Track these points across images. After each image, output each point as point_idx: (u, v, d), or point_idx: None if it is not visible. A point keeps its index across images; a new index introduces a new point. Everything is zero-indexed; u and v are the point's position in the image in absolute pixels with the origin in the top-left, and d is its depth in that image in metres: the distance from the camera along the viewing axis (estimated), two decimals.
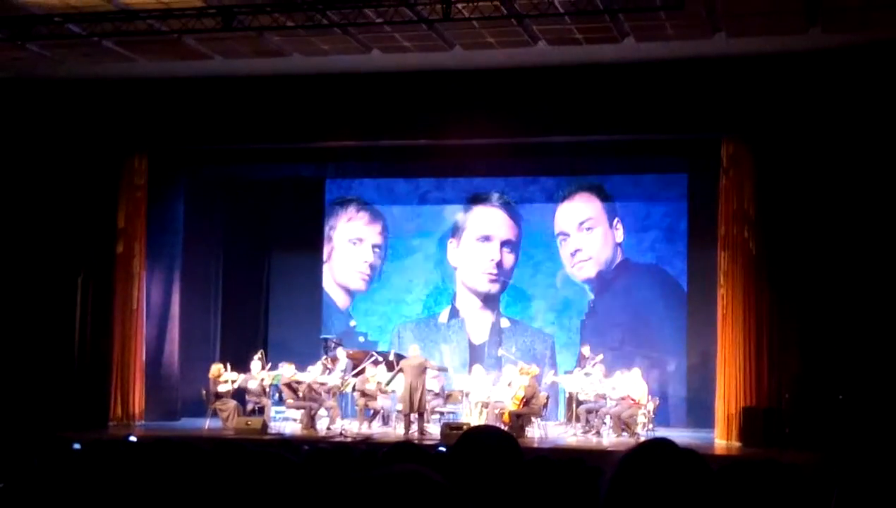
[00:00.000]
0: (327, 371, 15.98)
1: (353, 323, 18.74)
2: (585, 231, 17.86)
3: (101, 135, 15.99)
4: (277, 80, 15.38)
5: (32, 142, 15.99)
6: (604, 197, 17.81)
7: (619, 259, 17.67)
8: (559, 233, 18.00)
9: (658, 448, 2.28)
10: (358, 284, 18.86)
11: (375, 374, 15.81)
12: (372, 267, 18.84)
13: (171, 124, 15.94)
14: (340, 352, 16.46)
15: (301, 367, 15.79)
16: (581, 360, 16.08)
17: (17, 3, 12.39)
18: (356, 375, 15.92)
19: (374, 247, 18.88)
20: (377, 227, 18.91)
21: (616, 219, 17.70)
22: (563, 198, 18.02)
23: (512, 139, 15.81)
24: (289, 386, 15.51)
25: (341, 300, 18.91)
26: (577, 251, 17.85)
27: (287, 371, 15.60)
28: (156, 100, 15.81)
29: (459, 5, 11.95)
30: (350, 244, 18.95)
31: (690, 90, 14.35)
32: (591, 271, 17.73)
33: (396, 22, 12.51)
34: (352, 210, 19.01)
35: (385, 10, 12.25)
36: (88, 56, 14.36)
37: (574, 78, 14.71)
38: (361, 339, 18.43)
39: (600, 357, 15.72)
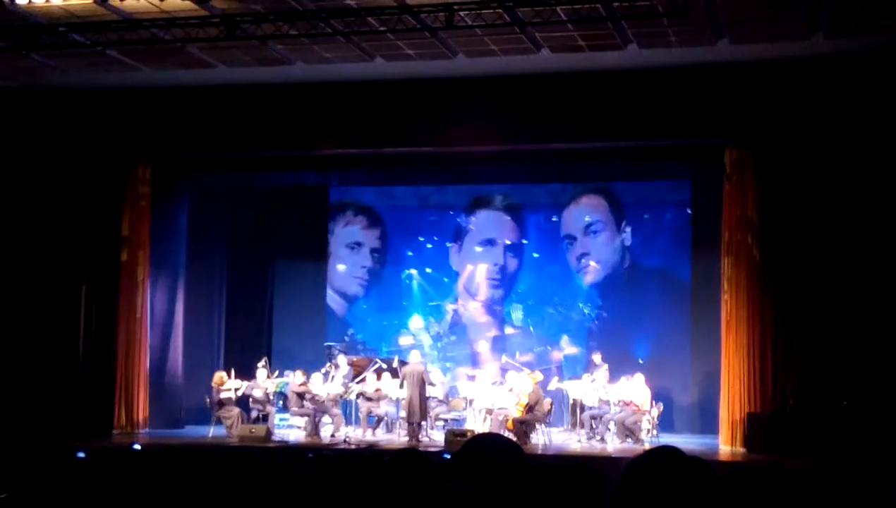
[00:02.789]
0: (331, 378, 15.97)
1: (350, 331, 18.70)
2: (592, 234, 17.81)
3: (105, 144, 16.03)
4: (281, 89, 15.41)
5: (37, 151, 16.03)
6: (611, 200, 17.77)
7: (626, 263, 17.63)
8: (565, 236, 17.96)
9: (664, 455, 2.28)
10: (356, 290, 18.82)
11: (377, 381, 15.80)
12: (371, 272, 18.79)
13: (175, 133, 15.97)
14: (341, 359, 16.45)
15: (308, 374, 15.78)
16: (591, 367, 16.03)
17: (21, 12, 12.43)
18: (359, 382, 15.91)
19: (372, 251, 18.83)
20: (376, 232, 18.85)
21: (624, 223, 17.65)
22: (569, 202, 17.98)
23: (515, 146, 15.83)
24: (297, 393, 15.50)
25: (339, 306, 18.87)
26: (583, 255, 17.80)
27: (297, 378, 15.62)
28: (159, 108, 15.84)
29: (462, 13, 11.97)
30: (348, 249, 18.90)
31: (693, 97, 14.36)
32: (598, 276, 17.69)
33: (399, 30, 12.53)
34: (349, 214, 18.95)
35: (388, 18, 12.27)
36: (92, 65, 14.39)
37: (577, 85, 14.72)
38: (360, 347, 18.39)
39: (606, 367, 15.70)
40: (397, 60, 14.01)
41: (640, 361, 16.86)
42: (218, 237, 18.26)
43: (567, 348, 17.60)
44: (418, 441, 14.68)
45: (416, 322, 18.48)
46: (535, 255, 18.15)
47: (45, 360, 15.62)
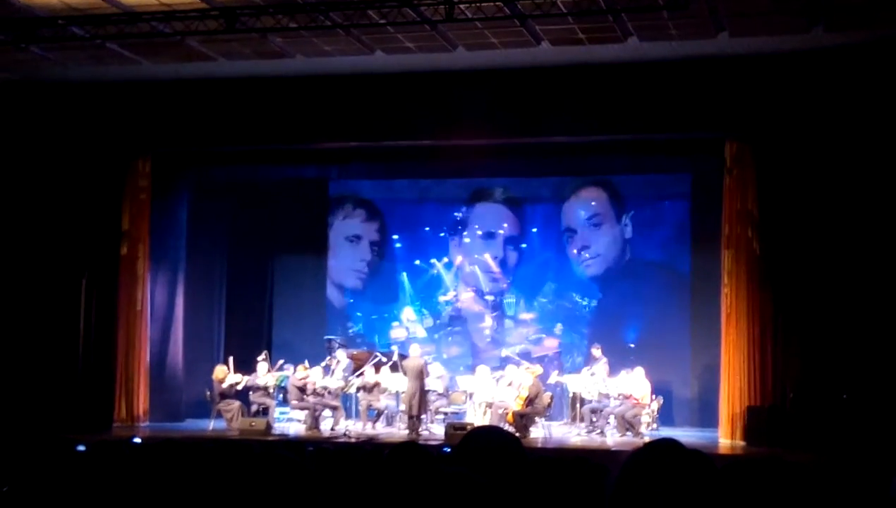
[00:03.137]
0: (332, 372, 15.98)
1: (350, 324, 18.69)
2: (592, 227, 17.80)
3: (104, 138, 16.01)
4: (280, 82, 15.39)
5: (36, 144, 16.01)
6: (611, 193, 17.75)
7: (627, 256, 17.62)
8: (565, 229, 17.95)
9: (664, 448, 2.29)
10: (355, 283, 18.81)
11: (377, 375, 15.81)
12: (370, 265, 18.78)
13: (175, 126, 15.96)
14: (340, 353, 16.41)
15: (309, 368, 15.79)
16: (591, 360, 16.04)
17: (21, 5, 12.41)
18: (358, 376, 15.93)
19: (371, 244, 18.81)
20: (375, 225, 18.83)
21: (624, 216, 17.64)
22: (570, 195, 17.97)
23: (515, 139, 15.81)
24: (298, 387, 15.51)
25: (339, 300, 18.86)
26: (584, 248, 17.78)
27: (298, 372, 15.62)
28: (159, 102, 15.82)
29: (462, 6, 11.95)
30: (347, 242, 18.88)
31: (693, 90, 14.34)
32: (598, 269, 17.68)
33: (399, 23, 12.51)
34: (349, 207, 18.94)
35: (388, 10, 12.25)
36: (92, 58, 14.37)
37: (577, 78, 14.71)
38: (358, 340, 18.38)
39: (605, 360, 15.71)
40: (397, 53, 13.99)
41: (632, 345, 16.92)
42: (218, 231, 18.26)
43: (563, 336, 17.63)
44: (418, 434, 14.69)
45: (408, 314, 18.46)
46: (532, 248, 18.13)
47: (46, 354, 15.62)
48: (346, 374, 16.03)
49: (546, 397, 15.03)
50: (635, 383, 14.96)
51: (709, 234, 15.68)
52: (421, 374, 14.96)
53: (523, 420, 14.60)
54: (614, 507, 2.23)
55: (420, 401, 14.86)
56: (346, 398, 16.18)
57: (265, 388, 15.70)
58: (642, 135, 15.18)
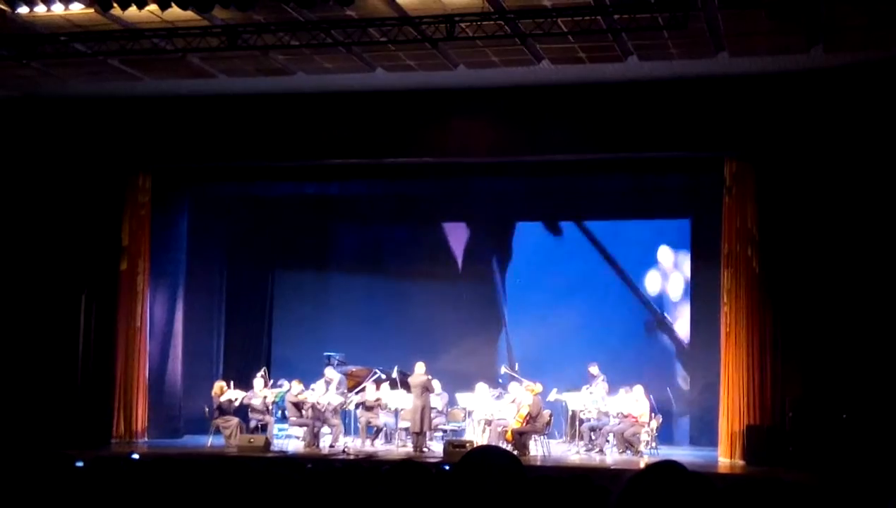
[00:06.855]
0: (332, 388, 15.93)
1: (349, 341, 18.62)
2: (592, 245, 17.80)
3: (105, 153, 16.04)
4: (282, 99, 15.43)
5: (37, 160, 16.04)
6: (611, 210, 17.73)
7: (626, 274, 17.59)
8: (566, 247, 17.94)
9: (665, 470, 2.28)
10: (355, 300, 18.75)
11: (377, 391, 15.77)
12: (369, 282, 18.72)
13: (176, 142, 15.99)
14: (329, 371, 16.22)
15: (306, 385, 15.74)
16: (590, 379, 16.00)
17: (23, 21, 12.45)
18: (357, 392, 15.89)
19: (372, 261, 18.78)
20: (376, 242, 18.82)
21: (624, 233, 17.64)
22: (570, 213, 17.96)
23: (515, 157, 15.84)
24: (295, 403, 15.47)
25: (339, 316, 18.78)
26: (583, 266, 17.77)
27: (294, 388, 15.58)
28: (160, 118, 15.86)
29: (463, 24, 11.99)
30: (348, 259, 18.85)
31: (693, 109, 14.38)
32: (597, 286, 17.66)
33: (400, 41, 12.56)
34: (349, 224, 18.95)
35: (389, 29, 12.30)
36: (93, 74, 14.41)
37: (577, 96, 14.75)
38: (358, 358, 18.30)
39: (604, 378, 15.67)
40: (398, 71, 14.04)
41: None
42: (218, 246, 18.26)
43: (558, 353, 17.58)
44: (422, 451, 14.66)
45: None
46: (532, 264, 18.13)
47: (45, 369, 15.60)
48: (343, 389, 15.98)
49: (545, 415, 14.99)
50: (634, 401, 14.93)
51: (708, 253, 15.68)
52: (425, 391, 14.93)
53: (522, 437, 14.57)
54: None
55: (424, 418, 14.82)
56: (344, 415, 16.14)
57: (263, 404, 15.65)
58: (642, 153, 15.21)
